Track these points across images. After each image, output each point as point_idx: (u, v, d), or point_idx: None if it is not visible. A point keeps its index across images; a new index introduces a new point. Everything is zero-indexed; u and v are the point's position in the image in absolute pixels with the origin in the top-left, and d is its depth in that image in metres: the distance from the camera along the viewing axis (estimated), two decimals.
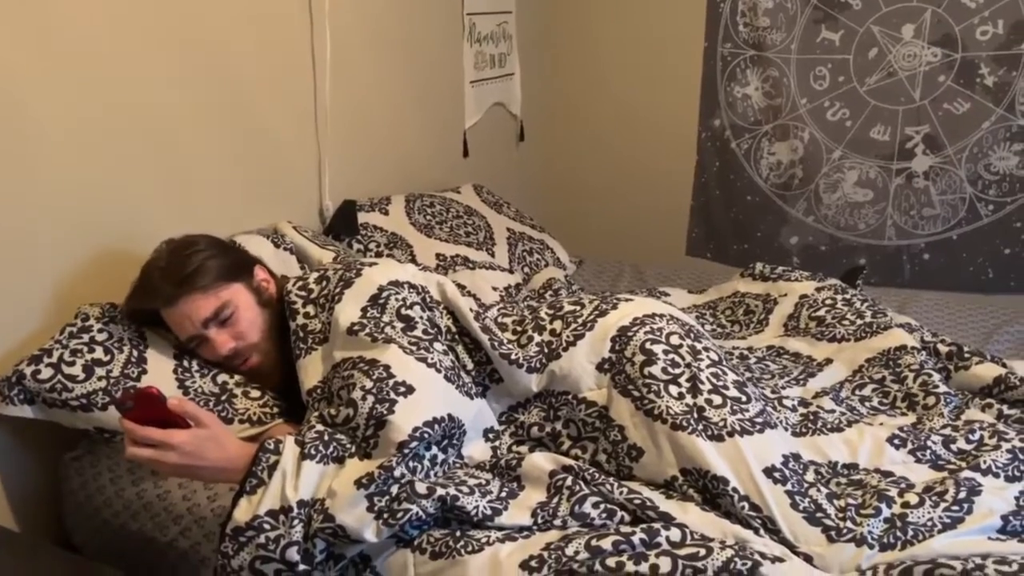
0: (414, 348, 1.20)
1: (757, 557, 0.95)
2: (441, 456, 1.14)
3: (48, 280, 1.41)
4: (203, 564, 1.21)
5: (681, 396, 1.18)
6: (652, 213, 2.87)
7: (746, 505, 1.07)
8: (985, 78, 2.26)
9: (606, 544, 0.98)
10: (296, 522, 1.01)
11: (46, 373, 1.23)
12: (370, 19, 2.07)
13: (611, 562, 0.95)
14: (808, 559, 1.02)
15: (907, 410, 1.38)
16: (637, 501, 1.08)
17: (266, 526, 1.00)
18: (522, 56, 2.74)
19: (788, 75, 2.51)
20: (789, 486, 1.09)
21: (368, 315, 1.25)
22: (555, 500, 1.09)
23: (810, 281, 1.78)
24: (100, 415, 1.25)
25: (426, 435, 1.09)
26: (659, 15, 2.70)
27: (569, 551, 0.98)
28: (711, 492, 1.10)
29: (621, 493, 1.10)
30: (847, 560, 1.01)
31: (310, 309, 1.30)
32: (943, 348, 1.49)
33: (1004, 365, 1.43)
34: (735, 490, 1.08)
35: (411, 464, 1.08)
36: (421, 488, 1.04)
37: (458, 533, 1.04)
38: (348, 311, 1.25)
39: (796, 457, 1.16)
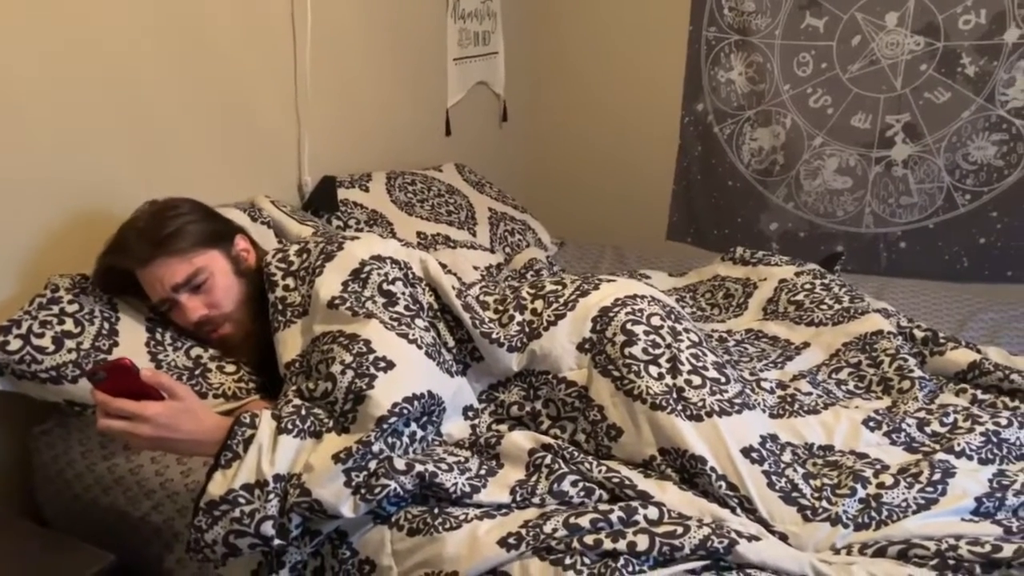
0: (395, 323, 1.19)
1: (734, 535, 0.96)
2: (420, 433, 1.13)
3: (17, 249, 1.38)
4: (176, 539, 1.20)
5: (661, 376, 1.18)
6: (633, 196, 2.87)
7: (724, 484, 1.08)
8: (966, 68, 2.28)
9: (584, 522, 0.98)
10: (272, 496, 0.99)
11: (15, 344, 1.20)
12: None
13: (589, 539, 0.96)
14: (783, 538, 1.03)
15: (882, 394, 1.39)
16: (616, 480, 1.08)
17: (241, 500, 0.99)
18: (506, 35, 2.71)
19: (772, 61, 2.51)
20: (766, 466, 1.10)
21: (349, 289, 1.23)
22: (534, 478, 1.09)
23: (790, 266, 1.79)
24: (70, 388, 1.22)
25: (405, 411, 1.08)
26: None
27: (547, 528, 0.98)
28: (689, 471, 1.11)
29: (600, 472, 1.10)
30: (822, 539, 1.03)
31: (290, 281, 1.28)
32: (919, 333, 1.51)
33: (978, 351, 1.45)
34: (713, 469, 1.09)
35: (390, 440, 1.07)
36: (400, 464, 1.03)
37: (436, 510, 1.04)
38: (329, 285, 1.23)
39: (773, 438, 1.16)
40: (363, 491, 1.00)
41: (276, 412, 1.08)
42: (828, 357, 1.51)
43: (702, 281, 1.88)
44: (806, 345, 1.55)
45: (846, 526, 1.03)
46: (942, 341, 1.47)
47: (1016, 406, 1.31)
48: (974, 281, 2.37)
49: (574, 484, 1.08)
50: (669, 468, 1.12)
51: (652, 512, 1.01)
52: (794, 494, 1.07)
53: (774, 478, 1.09)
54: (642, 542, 0.95)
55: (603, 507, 1.02)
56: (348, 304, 1.20)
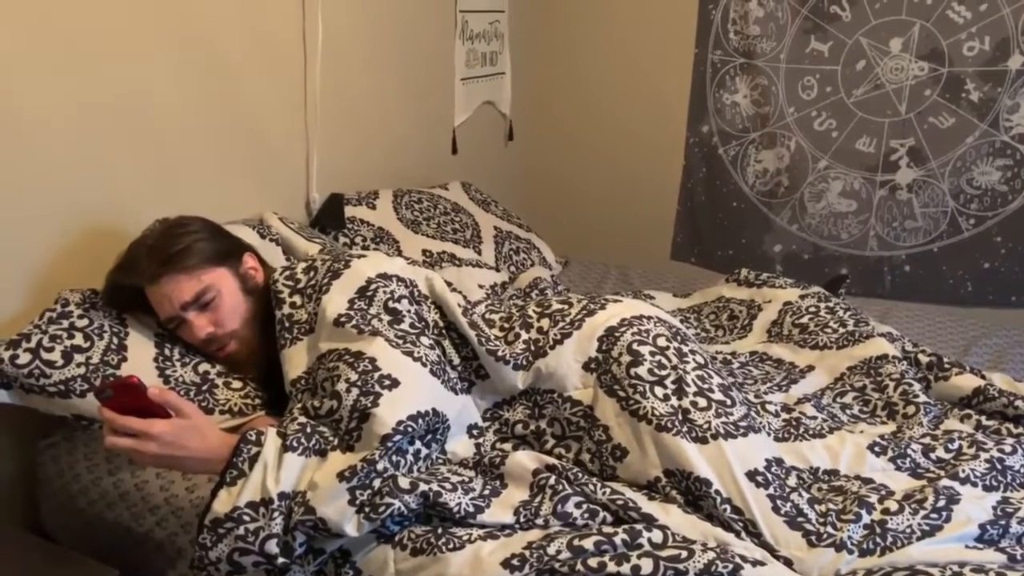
0: (400, 341, 1.19)
1: (738, 560, 0.95)
2: (424, 451, 1.13)
3: (29, 264, 1.40)
4: (179, 555, 1.20)
5: (666, 398, 1.19)
6: (638, 216, 2.88)
7: (728, 508, 1.08)
8: (970, 93, 2.29)
9: (588, 544, 0.98)
10: (276, 514, 1.00)
11: (24, 358, 1.21)
12: (362, 12, 2.06)
13: (593, 562, 0.96)
14: (788, 563, 1.02)
15: (887, 419, 1.39)
16: (620, 502, 1.08)
17: (246, 518, 0.99)
18: (513, 55, 2.74)
19: (777, 84, 2.53)
20: (771, 490, 1.10)
21: (355, 307, 1.24)
22: (537, 499, 1.09)
23: (794, 288, 1.79)
24: (78, 402, 1.23)
25: (409, 429, 1.08)
26: (651, 21, 2.71)
27: (551, 550, 0.98)
28: (694, 494, 1.11)
29: (604, 493, 1.10)
30: (826, 565, 1.02)
31: (296, 299, 1.29)
32: (923, 358, 1.51)
33: (983, 377, 1.45)
34: (718, 492, 1.09)
35: (394, 458, 1.07)
36: (404, 483, 1.03)
37: (439, 530, 1.04)
38: (335, 302, 1.24)
39: (779, 462, 1.16)
40: (367, 509, 1.01)
41: (281, 430, 1.08)
42: (833, 381, 1.51)
43: (707, 302, 1.88)
44: (810, 368, 1.55)
45: (851, 552, 1.03)
46: (947, 366, 1.47)
47: (1020, 432, 1.31)
48: (978, 306, 2.37)
49: (578, 505, 1.07)
50: (674, 490, 1.12)
51: (656, 535, 1.01)
52: (799, 519, 1.07)
53: (779, 502, 1.08)
54: (646, 566, 0.94)
55: (607, 529, 1.02)
56: (354, 322, 1.20)
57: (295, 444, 1.06)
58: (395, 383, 1.12)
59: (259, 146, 1.81)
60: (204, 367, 1.34)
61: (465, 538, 1.02)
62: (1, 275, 1.35)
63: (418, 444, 1.12)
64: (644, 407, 1.18)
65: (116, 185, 1.51)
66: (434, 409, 1.14)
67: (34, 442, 1.38)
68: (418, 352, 1.19)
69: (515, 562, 0.97)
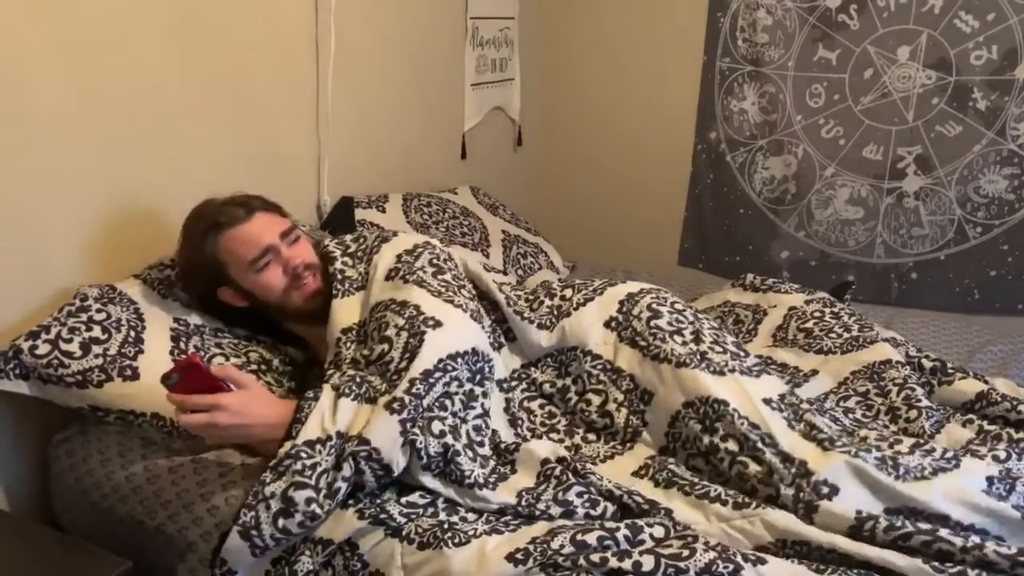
0: (443, 290, 1.29)
1: (739, 560, 0.97)
2: (478, 389, 1.19)
3: (48, 260, 1.42)
4: (190, 549, 1.22)
5: (685, 343, 1.27)
6: (645, 222, 2.89)
7: (746, 423, 1.13)
8: (978, 102, 2.30)
9: (591, 539, 0.99)
10: (333, 451, 1.05)
11: (43, 349, 1.24)
12: (375, 17, 2.09)
13: (595, 557, 0.97)
14: (803, 464, 1.07)
15: (890, 423, 1.40)
16: (624, 489, 1.11)
17: (303, 454, 1.04)
18: (523, 62, 2.76)
19: (784, 91, 2.54)
20: (785, 414, 1.16)
21: (402, 260, 1.34)
22: (542, 487, 1.12)
23: (799, 294, 1.80)
24: (95, 392, 1.26)
25: (450, 367, 1.15)
26: (659, 28, 2.73)
27: (554, 545, 0.99)
28: (712, 417, 1.16)
29: (608, 483, 1.12)
30: (841, 471, 1.06)
31: (348, 259, 1.39)
32: (927, 363, 1.51)
33: (986, 382, 1.46)
34: (735, 410, 1.15)
35: (442, 400, 1.13)
36: (435, 427, 1.10)
37: (446, 525, 1.06)
38: (386, 259, 1.35)
39: (792, 392, 1.24)
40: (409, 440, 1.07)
41: (334, 382, 1.15)
42: (836, 385, 1.51)
43: (712, 307, 1.89)
44: (815, 373, 1.56)
45: (865, 460, 1.06)
46: (950, 371, 1.48)
47: (1021, 438, 1.32)
48: (985, 313, 2.38)
49: (579, 495, 1.10)
50: (692, 420, 1.17)
51: (658, 531, 1.03)
52: (813, 431, 1.14)
53: (793, 422, 1.15)
54: (647, 563, 0.96)
55: (610, 525, 1.04)
56: (401, 273, 1.30)
57: (347, 391, 1.13)
58: (438, 324, 1.20)
59: (271, 149, 1.84)
60: (219, 360, 1.36)
61: (470, 533, 1.04)
62: (21, 270, 1.38)
63: (468, 385, 1.19)
64: (664, 350, 1.26)
65: (134, 189, 1.54)
66: (474, 348, 1.21)
67: (48, 437, 1.40)
68: (458, 300, 1.28)
69: (519, 556, 0.99)
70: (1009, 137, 2.29)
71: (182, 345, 1.36)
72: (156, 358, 1.31)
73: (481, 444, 1.18)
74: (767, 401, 1.17)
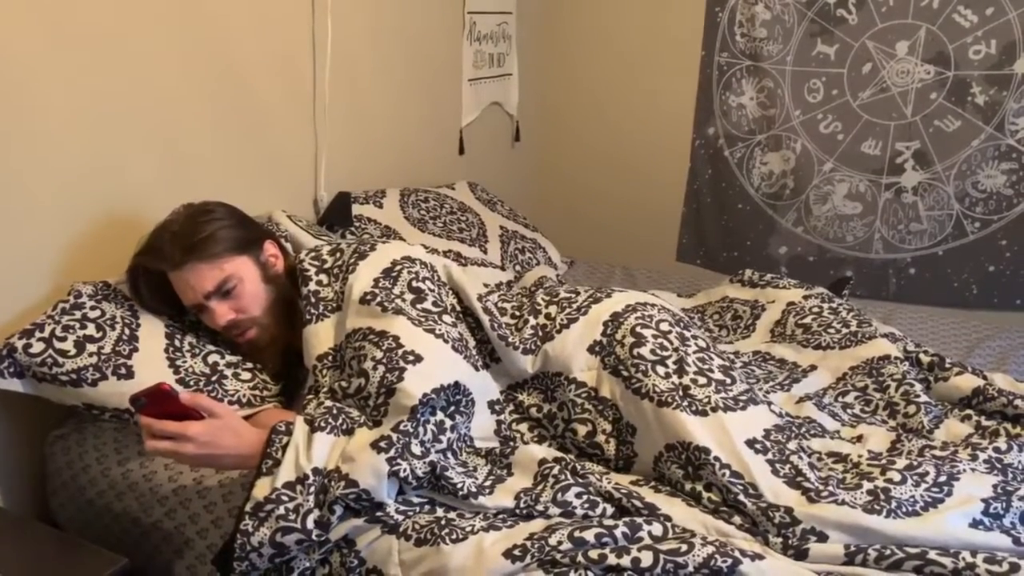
0: (423, 319, 1.23)
1: (737, 554, 0.97)
2: (449, 422, 1.16)
3: (42, 257, 1.41)
4: (186, 545, 1.22)
5: (668, 375, 1.22)
6: (644, 218, 2.89)
7: (727, 472, 1.10)
8: (976, 97, 2.30)
9: (589, 536, 0.99)
10: (312, 489, 1.03)
11: (37, 347, 1.23)
12: (371, 12, 2.08)
13: (593, 554, 0.97)
14: (789, 512, 1.04)
15: (888, 418, 1.40)
16: (623, 491, 1.10)
17: (284, 497, 1.02)
18: (520, 57, 2.75)
19: (783, 86, 2.54)
20: (770, 456, 1.13)
21: (380, 285, 1.28)
22: (539, 487, 1.11)
23: (798, 289, 1.80)
24: (89, 391, 1.25)
25: (432, 401, 1.12)
26: (657, 23, 2.72)
27: (552, 541, 0.99)
28: (694, 464, 1.13)
29: (607, 483, 1.12)
30: (829, 519, 1.03)
31: (323, 278, 1.34)
32: (925, 358, 1.51)
33: (984, 377, 1.46)
34: (716, 458, 1.11)
35: (416, 428, 1.10)
36: (416, 448, 1.07)
37: (443, 521, 1.06)
38: (363, 280, 1.29)
39: (779, 429, 1.19)
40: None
41: (308, 414, 1.12)
42: (835, 381, 1.52)
43: (711, 302, 1.89)
44: (813, 368, 1.56)
45: (852, 508, 1.04)
46: (948, 366, 1.48)
47: (1018, 432, 1.32)
48: (983, 308, 2.38)
49: (578, 496, 1.09)
50: (674, 464, 1.15)
51: (656, 528, 1.03)
52: (798, 478, 1.10)
53: (778, 465, 1.11)
54: (646, 559, 0.96)
55: (608, 522, 1.04)
56: (378, 299, 1.24)
57: (323, 424, 1.10)
58: (419, 358, 1.16)
59: (268, 144, 1.83)
60: (213, 358, 1.36)
61: (468, 529, 1.04)
62: (15, 267, 1.37)
63: (440, 415, 1.15)
64: (646, 385, 1.21)
65: (131, 184, 1.53)
66: (456, 382, 1.18)
67: (44, 433, 1.40)
68: (440, 329, 1.23)
69: (517, 552, 0.98)
70: (1008, 132, 2.29)
71: (176, 343, 1.35)
72: (151, 356, 1.31)
73: (464, 464, 1.17)
74: (751, 443, 1.13)
